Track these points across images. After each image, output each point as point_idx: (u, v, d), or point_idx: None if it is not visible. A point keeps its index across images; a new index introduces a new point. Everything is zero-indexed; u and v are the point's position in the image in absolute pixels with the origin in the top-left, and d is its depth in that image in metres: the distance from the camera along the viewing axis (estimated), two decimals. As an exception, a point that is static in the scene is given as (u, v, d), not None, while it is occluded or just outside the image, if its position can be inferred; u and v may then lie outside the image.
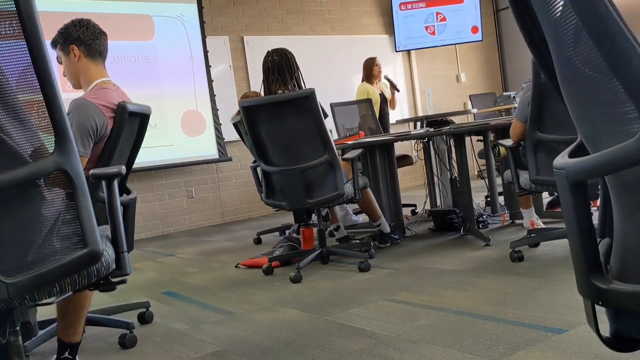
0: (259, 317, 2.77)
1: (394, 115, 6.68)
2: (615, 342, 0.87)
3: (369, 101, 6.24)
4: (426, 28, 8.53)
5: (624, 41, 0.68)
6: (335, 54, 8.06)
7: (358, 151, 3.64)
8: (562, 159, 0.86)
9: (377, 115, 6.00)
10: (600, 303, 0.82)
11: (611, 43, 0.68)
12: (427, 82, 8.91)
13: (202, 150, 6.94)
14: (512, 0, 0.92)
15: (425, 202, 5.21)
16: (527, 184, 3.15)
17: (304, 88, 3.61)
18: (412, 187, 6.58)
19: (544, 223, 3.82)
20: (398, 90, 6.23)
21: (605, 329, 0.90)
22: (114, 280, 1.66)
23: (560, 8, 0.77)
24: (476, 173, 5.94)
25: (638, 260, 0.81)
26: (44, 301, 1.51)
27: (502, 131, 4.53)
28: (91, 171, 1.69)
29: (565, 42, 0.75)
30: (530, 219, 3.74)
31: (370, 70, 6.15)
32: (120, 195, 1.76)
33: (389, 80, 6.27)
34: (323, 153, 3.43)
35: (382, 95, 6.17)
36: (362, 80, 6.20)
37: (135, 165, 2.55)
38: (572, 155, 0.89)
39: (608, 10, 0.68)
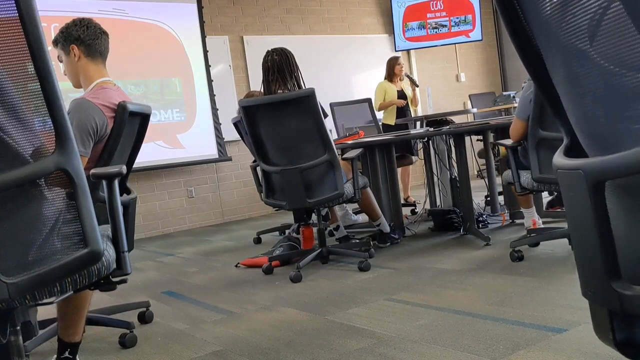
0: (259, 317, 2.77)
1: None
2: (631, 350, 0.85)
3: (368, 100, 6.27)
4: (426, 28, 8.53)
5: None
6: (335, 53, 8.05)
7: (358, 151, 3.65)
8: (564, 160, 0.84)
9: (396, 113, 6.20)
10: (623, 309, 0.79)
11: None
12: (426, 82, 8.91)
13: (202, 150, 6.94)
14: (499, 1, 0.90)
15: (425, 202, 5.22)
16: (530, 183, 3.13)
17: (303, 88, 3.60)
18: (412, 186, 6.58)
19: (544, 223, 3.82)
20: (417, 86, 6.36)
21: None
22: (114, 279, 1.66)
23: (559, 4, 0.75)
24: (476, 173, 5.94)
25: None
26: (45, 301, 1.51)
27: (502, 131, 4.53)
28: (92, 171, 1.69)
29: (577, 36, 0.72)
30: (532, 218, 3.72)
31: (392, 69, 6.30)
32: (121, 195, 1.76)
33: (409, 77, 6.37)
34: (323, 153, 3.43)
35: (403, 93, 6.28)
36: (384, 79, 6.35)
37: (135, 165, 2.55)
38: (568, 155, 0.87)
39: None
